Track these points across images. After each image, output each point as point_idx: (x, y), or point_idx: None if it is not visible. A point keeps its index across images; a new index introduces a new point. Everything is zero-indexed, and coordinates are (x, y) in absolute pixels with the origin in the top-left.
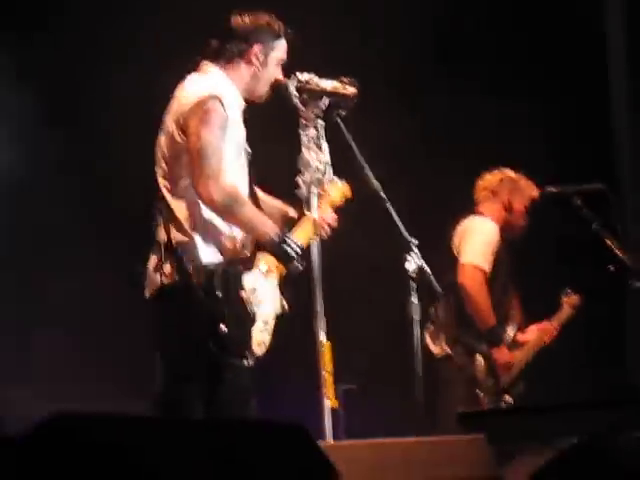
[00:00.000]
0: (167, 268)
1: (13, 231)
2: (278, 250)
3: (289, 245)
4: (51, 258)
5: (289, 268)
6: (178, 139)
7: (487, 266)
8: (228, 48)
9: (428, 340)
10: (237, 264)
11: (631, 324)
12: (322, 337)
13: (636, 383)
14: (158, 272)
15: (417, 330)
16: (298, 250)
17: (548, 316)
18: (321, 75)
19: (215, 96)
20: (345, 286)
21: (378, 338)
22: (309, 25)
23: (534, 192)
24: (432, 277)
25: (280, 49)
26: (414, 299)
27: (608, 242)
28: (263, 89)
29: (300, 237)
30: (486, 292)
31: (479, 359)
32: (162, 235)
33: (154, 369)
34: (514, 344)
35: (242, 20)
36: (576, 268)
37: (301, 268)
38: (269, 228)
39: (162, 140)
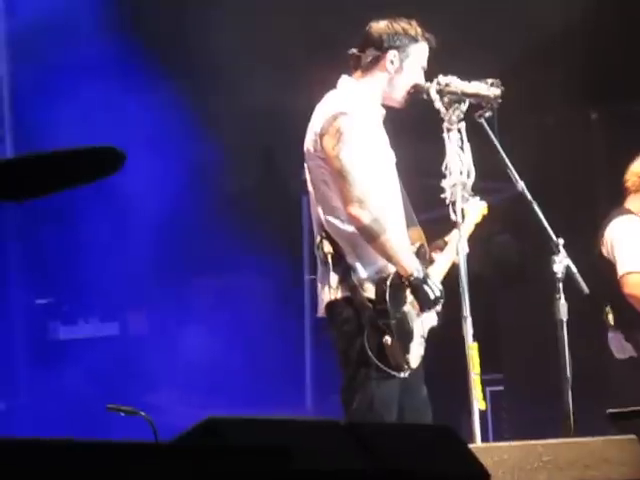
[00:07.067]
0: (333, 283)
1: (166, 235)
2: (418, 290)
3: (430, 287)
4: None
5: (426, 308)
6: (320, 162)
7: None
8: (364, 57)
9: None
10: (399, 279)
11: None
12: (470, 340)
13: None
14: (325, 287)
15: (564, 331)
16: (438, 293)
17: None
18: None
19: (343, 112)
20: (491, 289)
21: (526, 341)
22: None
23: None
24: (579, 277)
25: (417, 55)
26: (562, 300)
27: None
28: (399, 95)
29: (441, 273)
30: None
31: None
32: (324, 251)
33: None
34: None
35: (377, 28)
36: None
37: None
38: (411, 264)
39: (308, 165)
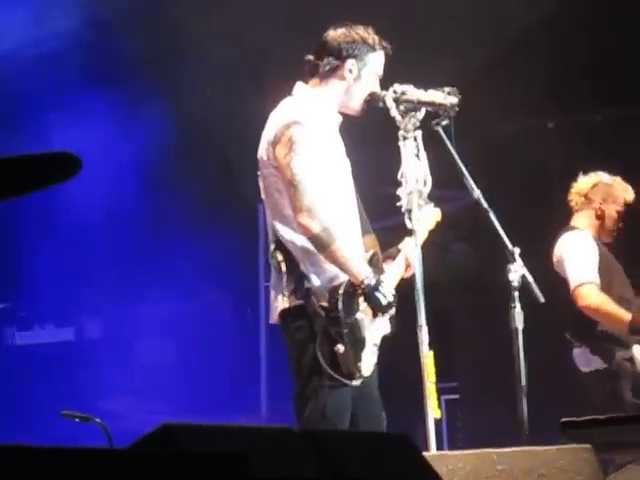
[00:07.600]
0: (286, 290)
1: (122, 240)
2: (370, 296)
3: (382, 293)
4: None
5: (379, 313)
6: (273, 170)
7: (595, 277)
8: (321, 65)
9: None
10: (351, 287)
11: None
12: (425, 348)
13: None
14: (279, 295)
15: (520, 339)
16: (391, 299)
17: None
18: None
19: (296, 121)
20: (447, 297)
21: (482, 349)
22: None
23: (629, 196)
24: (535, 286)
25: (374, 63)
26: (517, 309)
27: None
28: (357, 104)
29: (393, 280)
30: (604, 297)
31: None
32: (277, 259)
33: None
34: None
35: (334, 36)
36: None
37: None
38: (362, 271)
39: (262, 172)
